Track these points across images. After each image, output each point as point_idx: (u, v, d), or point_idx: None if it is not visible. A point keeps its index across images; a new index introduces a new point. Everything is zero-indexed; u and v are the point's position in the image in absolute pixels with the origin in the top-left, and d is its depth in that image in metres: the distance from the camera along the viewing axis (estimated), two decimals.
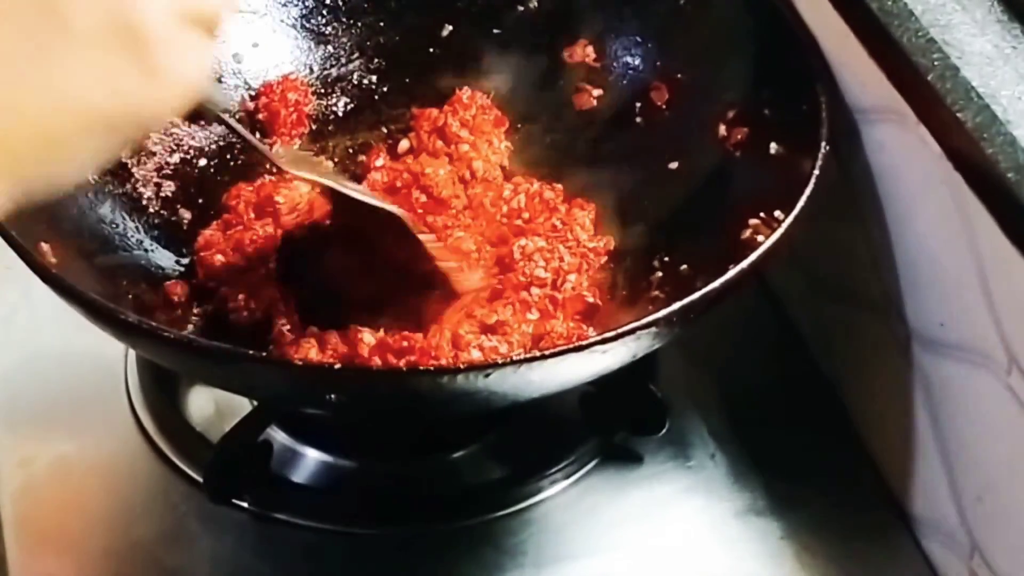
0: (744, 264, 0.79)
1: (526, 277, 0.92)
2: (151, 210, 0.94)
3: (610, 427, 0.93)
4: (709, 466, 0.93)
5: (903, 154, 0.84)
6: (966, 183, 0.77)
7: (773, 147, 0.91)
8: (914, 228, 0.85)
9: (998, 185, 0.73)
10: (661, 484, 0.92)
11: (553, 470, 0.91)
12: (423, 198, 0.96)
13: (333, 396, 0.77)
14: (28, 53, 0.56)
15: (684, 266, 0.90)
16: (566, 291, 0.92)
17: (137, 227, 0.92)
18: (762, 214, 0.86)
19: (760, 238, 0.83)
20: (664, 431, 0.92)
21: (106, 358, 0.95)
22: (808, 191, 0.83)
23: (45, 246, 0.80)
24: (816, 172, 0.83)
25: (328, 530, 0.89)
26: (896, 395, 0.89)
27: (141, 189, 0.94)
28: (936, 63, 0.78)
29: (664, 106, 1.00)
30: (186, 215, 0.95)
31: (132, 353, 0.96)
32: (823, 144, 0.85)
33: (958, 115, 0.76)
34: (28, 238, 0.78)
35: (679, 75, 1.00)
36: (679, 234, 0.93)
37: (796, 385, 0.99)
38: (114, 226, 0.91)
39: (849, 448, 0.95)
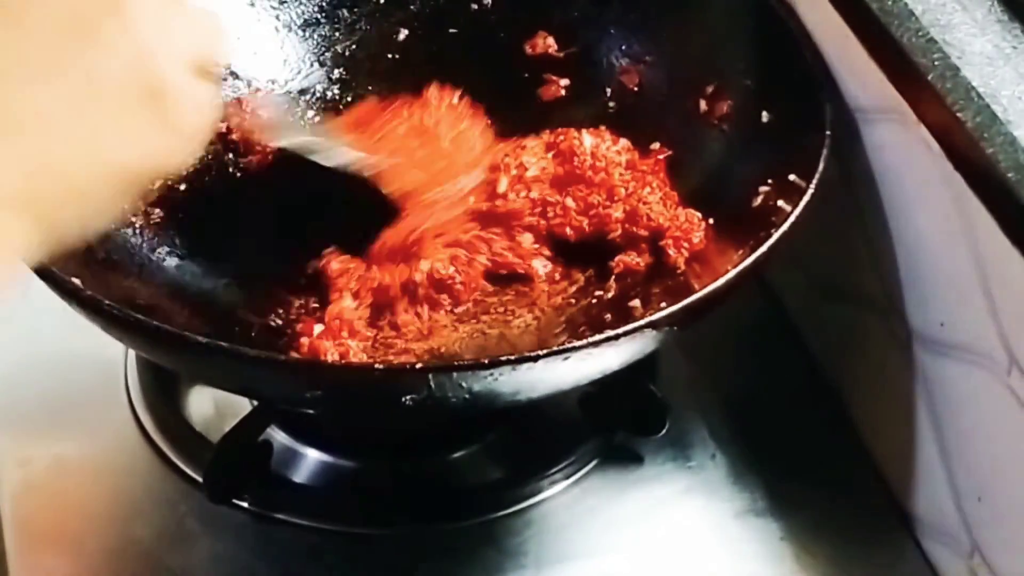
0: (772, 238, 0.80)
1: (603, 162, 0.92)
2: (146, 238, 0.93)
3: (610, 427, 0.93)
4: (709, 466, 0.93)
5: (903, 154, 0.84)
6: (966, 183, 0.77)
7: (764, 115, 0.90)
8: (914, 228, 0.85)
9: (998, 185, 0.73)
10: (661, 484, 0.92)
11: (553, 470, 0.91)
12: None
13: (334, 394, 0.77)
14: (63, 113, 0.61)
15: (697, 238, 0.90)
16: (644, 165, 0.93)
17: (141, 256, 0.91)
18: (770, 180, 0.86)
19: (781, 203, 0.83)
20: (664, 431, 0.92)
21: (106, 358, 0.95)
22: (824, 152, 0.83)
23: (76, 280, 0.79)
24: (828, 131, 0.84)
25: (328, 530, 0.88)
26: (896, 395, 0.89)
27: (132, 218, 0.93)
28: (936, 63, 0.78)
29: (636, 88, 1.00)
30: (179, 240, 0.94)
31: (132, 353, 0.96)
32: (827, 106, 0.85)
33: (958, 115, 0.76)
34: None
35: (647, 57, 1.00)
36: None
37: (796, 385, 0.99)
38: (117, 257, 0.89)
39: (849, 448, 0.95)
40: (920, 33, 0.79)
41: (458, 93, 1.01)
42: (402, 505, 0.91)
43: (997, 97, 0.74)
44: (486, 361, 0.74)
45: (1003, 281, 0.76)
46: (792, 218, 0.81)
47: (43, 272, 0.77)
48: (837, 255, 0.95)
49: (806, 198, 0.82)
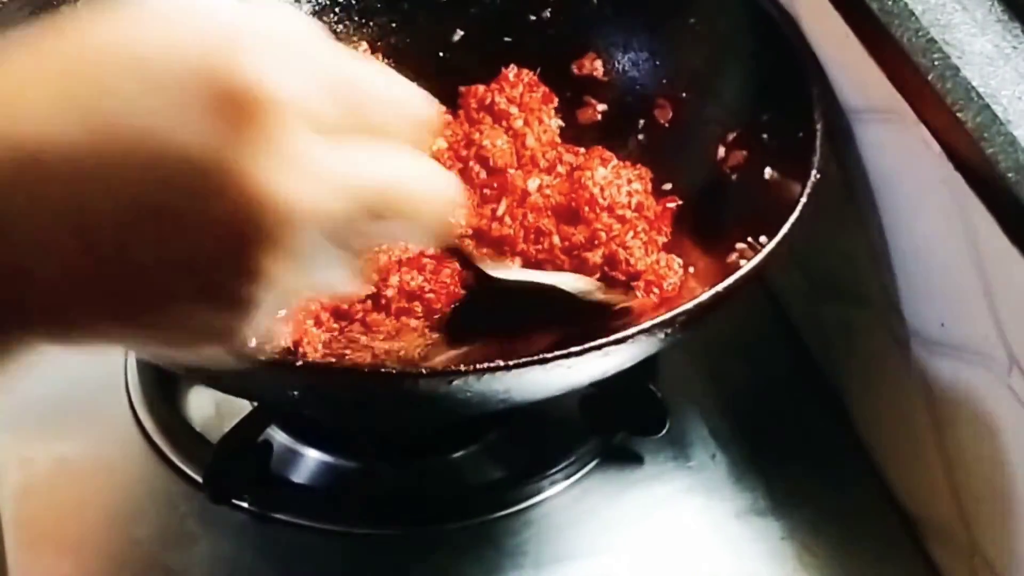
0: (720, 287, 0.78)
1: (606, 200, 0.92)
2: None
3: (610, 427, 0.93)
4: (710, 466, 0.93)
5: (903, 154, 0.84)
6: (966, 183, 0.77)
7: (768, 172, 0.90)
8: (914, 228, 0.85)
9: (998, 185, 0.73)
10: (661, 484, 0.92)
11: (553, 470, 0.91)
12: (482, 172, 0.95)
13: (337, 395, 0.77)
14: None
15: (669, 285, 0.89)
16: (650, 211, 0.93)
17: None
18: (750, 239, 0.86)
19: (743, 262, 0.83)
20: (664, 431, 0.92)
21: (106, 359, 0.95)
22: (793, 218, 0.82)
23: None
24: (804, 200, 0.83)
25: (328, 530, 0.88)
26: (897, 395, 0.89)
27: None
28: (936, 63, 0.78)
29: (667, 124, 1.00)
30: None
31: (132, 353, 0.96)
32: (814, 172, 0.84)
33: (958, 115, 0.76)
34: None
35: (684, 94, 0.99)
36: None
37: (796, 385, 0.99)
38: None
39: (850, 448, 0.95)
40: (920, 33, 0.79)
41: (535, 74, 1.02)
42: (402, 505, 0.91)
43: (997, 97, 0.74)
44: (453, 369, 0.74)
45: (1003, 281, 0.76)
46: (737, 275, 0.79)
47: None
48: (837, 255, 0.95)
49: (759, 258, 0.80)
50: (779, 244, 0.81)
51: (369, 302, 0.88)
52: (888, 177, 0.86)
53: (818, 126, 0.87)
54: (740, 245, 0.86)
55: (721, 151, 0.95)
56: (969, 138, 0.75)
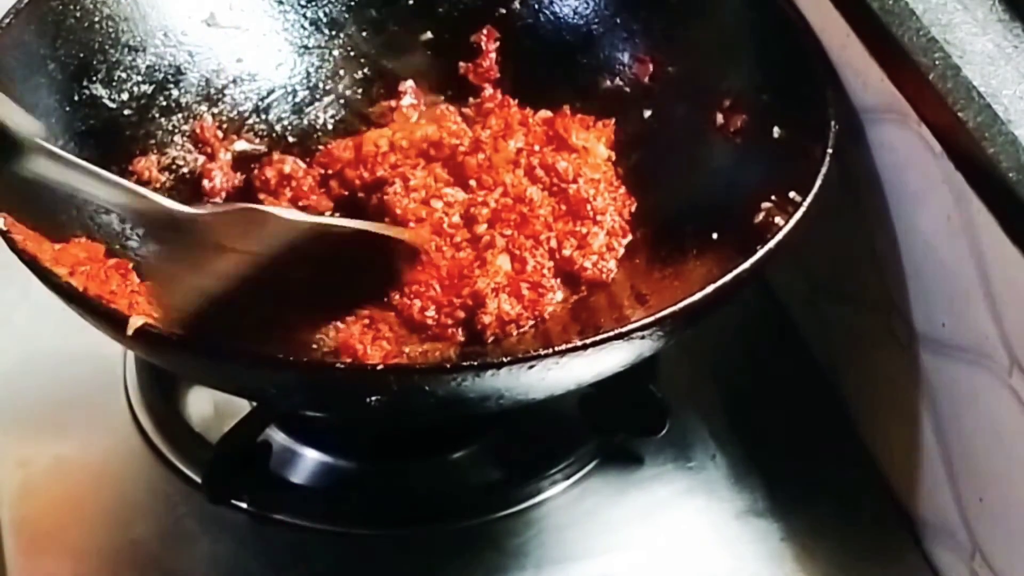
0: (764, 249, 0.79)
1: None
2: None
3: (610, 428, 0.93)
4: (710, 467, 0.93)
5: (904, 154, 0.84)
6: (967, 183, 0.77)
7: (776, 131, 0.90)
8: (915, 228, 0.85)
9: (999, 185, 0.73)
10: (661, 485, 0.92)
11: (553, 471, 0.91)
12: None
13: (297, 391, 0.77)
14: None
15: (695, 261, 0.89)
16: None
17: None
18: (774, 197, 0.85)
19: (778, 220, 0.83)
20: (664, 432, 0.91)
21: (105, 358, 0.95)
22: (823, 170, 0.83)
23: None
24: (829, 150, 0.83)
25: (327, 531, 0.88)
26: (898, 396, 0.89)
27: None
28: (937, 62, 0.78)
29: (647, 80, 1.00)
30: None
31: (131, 354, 0.96)
32: (832, 124, 0.85)
33: (959, 115, 0.76)
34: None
35: (669, 68, 0.99)
36: (686, 226, 0.91)
37: (797, 386, 0.99)
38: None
39: (850, 449, 0.95)
40: (921, 32, 0.79)
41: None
42: (402, 506, 0.91)
43: (998, 97, 0.74)
44: (448, 366, 0.74)
45: (1004, 281, 0.76)
46: (780, 235, 0.81)
47: (41, 273, 0.77)
48: (838, 255, 0.95)
49: (800, 213, 0.81)
50: (815, 198, 0.81)
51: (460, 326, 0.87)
52: (889, 177, 0.86)
53: (822, 79, 0.87)
54: (766, 204, 0.86)
55: (719, 118, 0.94)
56: (970, 138, 0.75)
